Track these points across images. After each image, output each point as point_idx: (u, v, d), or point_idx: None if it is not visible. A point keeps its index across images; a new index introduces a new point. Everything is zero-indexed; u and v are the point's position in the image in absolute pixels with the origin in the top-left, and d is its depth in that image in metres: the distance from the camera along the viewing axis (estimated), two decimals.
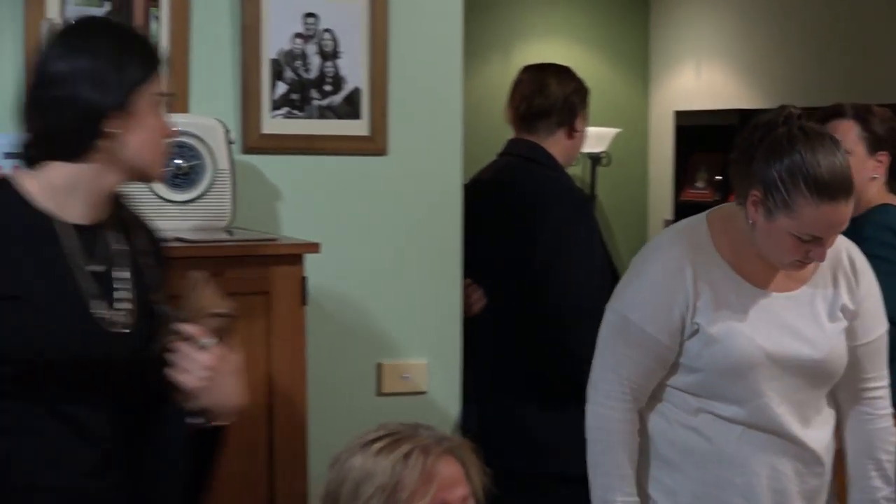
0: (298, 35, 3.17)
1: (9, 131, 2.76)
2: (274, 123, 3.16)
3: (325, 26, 3.20)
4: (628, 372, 2.50)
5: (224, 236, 2.76)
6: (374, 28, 3.23)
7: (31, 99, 2.11)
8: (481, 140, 4.48)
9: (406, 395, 3.26)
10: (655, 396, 2.55)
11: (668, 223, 6.55)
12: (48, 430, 2.06)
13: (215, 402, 2.12)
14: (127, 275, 2.15)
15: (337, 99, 3.22)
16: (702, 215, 2.58)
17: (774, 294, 2.50)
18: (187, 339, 2.10)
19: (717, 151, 6.14)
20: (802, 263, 2.44)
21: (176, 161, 2.80)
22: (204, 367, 2.08)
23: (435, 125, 3.30)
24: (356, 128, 3.24)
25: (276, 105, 3.16)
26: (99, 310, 2.08)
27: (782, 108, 2.43)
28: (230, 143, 2.87)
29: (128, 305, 2.13)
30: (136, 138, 2.08)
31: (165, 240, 2.36)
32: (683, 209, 6.42)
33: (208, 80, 3.10)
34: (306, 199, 3.19)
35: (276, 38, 3.15)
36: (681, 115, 6.62)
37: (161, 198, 2.79)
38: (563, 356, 3.18)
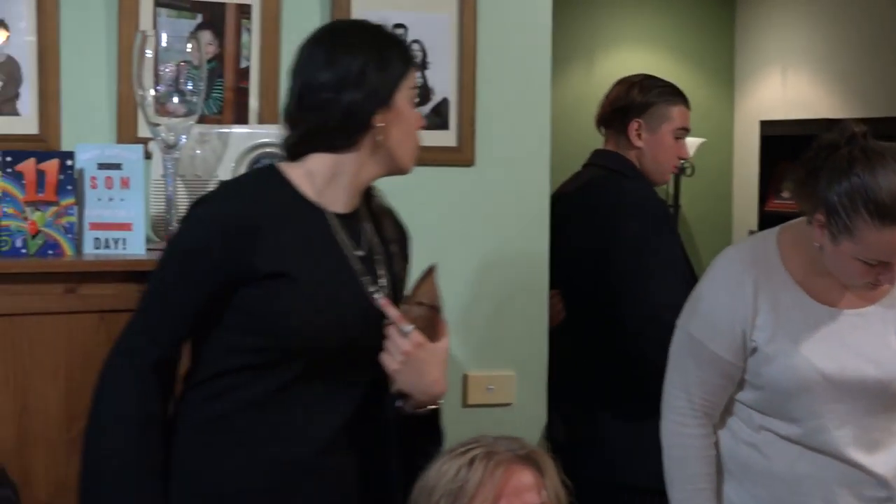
0: None
1: (102, 142, 2.86)
2: None
3: (414, 37, 3.20)
4: (697, 389, 2.50)
5: None
6: (462, 39, 3.23)
7: (300, 101, 2.23)
8: (563, 150, 4.46)
9: (491, 406, 3.24)
10: (727, 410, 2.55)
11: (752, 234, 6.48)
12: (296, 405, 2.18)
13: (410, 388, 2.22)
14: (382, 260, 2.30)
15: (425, 110, 3.22)
16: (773, 230, 2.56)
17: (844, 312, 2.45)
18: (393, 323, 2.23)
19: None
20: (875, 285, 2.39)
21: None
22: (402, 351, 2.20)
23: (522, 136, 3.29)
24: (444, 138, 3.24)
25: None
26: (371, 292, 2.24)
27: (844, 127, 2.36)
28: None
29: (387, 290, 2.28)
30: (396, 131, 2.24)
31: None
32: (768, 220, 6.33)
33: None
34: (396, 210, 3.18)
35: None
36: (766, 125, 6.54)
37: None
38: (642, 368, 3.15)
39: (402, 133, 2.26)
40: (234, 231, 2.16)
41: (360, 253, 2.27)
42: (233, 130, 2.83)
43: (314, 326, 2.16)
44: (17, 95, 2.88)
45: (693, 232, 6.73)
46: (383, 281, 2.30)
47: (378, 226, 2.36)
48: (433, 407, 2.26)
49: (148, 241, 2.63)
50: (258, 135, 2.83)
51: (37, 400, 2.41)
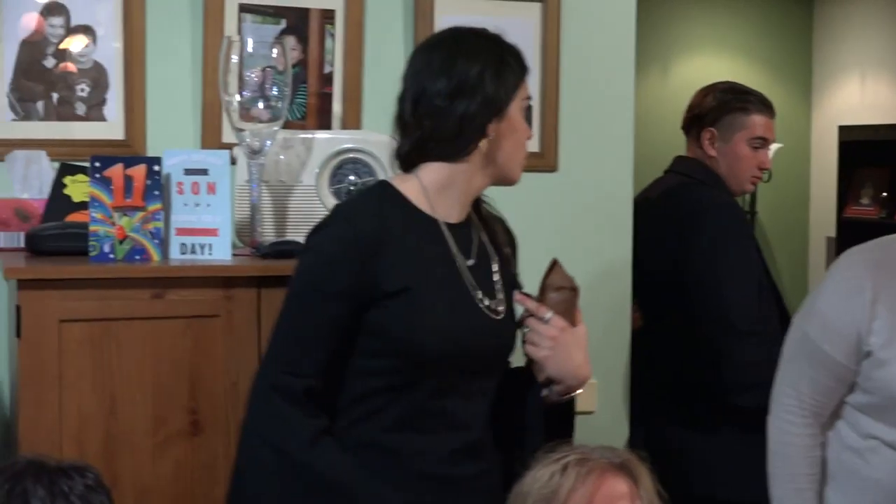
0: None
1: (186, 147, 2.87)
2: None
3: None
4: (807, 388, 2.47)
5: None
6: (545, 44, 3.21)
7: (414, 108, 2.21)
8: (638, 155, 4.42)
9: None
10: (836, 413, 2.52)
11: (830, 241, 6.39)
12: (434, 420, 2.19)
13: (560, 373, 2.26)
14: (495, 267, 2.30)
15: None
16: None
17: None
18: (532, 314, 2.27)
19: (883, 167, 5.97)
20: None
21: (349, 177, 2.82)
22: (548, 338, 2.23)
23: (606, 141, 3.26)
24: (528, 144, 3.21)
25: None
26: (483, 303, 2.24)
27: None
28: None
29: (500, 295, 2.28)
30: (508, 142, 2.23)
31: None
32: (846, 227, 6.26)
33: (381, 97, 3.10)
34: None
35: None
36: (844, 130, 6.45)
37: None
38: (716, 377, 3.13)
39: (513, 143, 2.24)
40: (358, 252, 2.14)
41: (471, 262, 2.26)
42: (316, 136, 2.83)
43: (439, 340, 2.15)
44: (103, 101, 2.90)
45: (770, 238, 6.65)
46: (498, 286, 2.29)
47: (490, 233, 2.34)
48: (579, 391, 2.31)
49: (233, 246, 2.63)
50: (342, 140, 2.83)
51: (124, 404, 2.42)
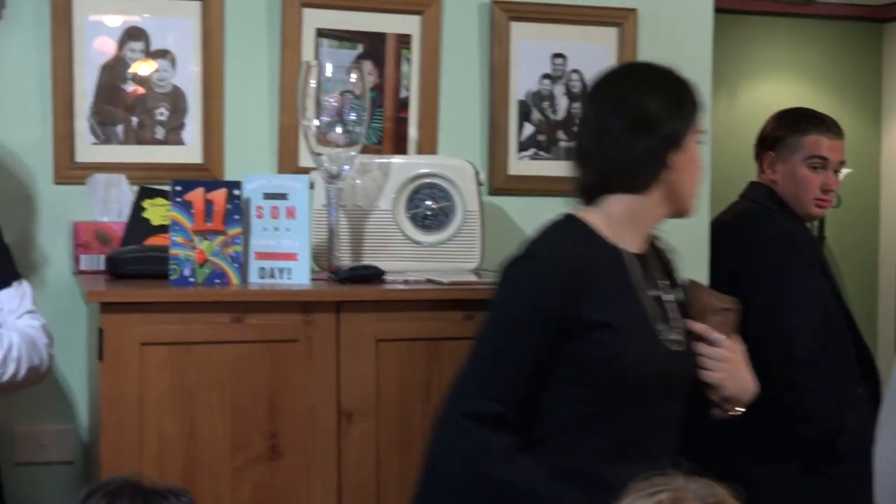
0: (546, 76, 3.16)
1: (262, 171, 2.88)
2: (520, 165, 3.15)
3: (574, 67, 3.18)
4: None
5: (474, 279, 2.75)
6: None
7: (598, 141, 2.26)
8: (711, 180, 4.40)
9: None
10: None
11: None
12: (632, 450, 2.20)
13: (736, 391, 2.33)
14: (672, 297, 2.34)
15: None
16: None
17: None
18: (700, 338, 2.32)
19: None
20: None
21: (426, 202, 2.81)
22: (720, 359, 2.29)
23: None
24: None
25: (523, 146, 3.15)
26: (664, 334, 2.26)
27: None
28: (480, 184, 2.85)
29: (679, 325, 2.31)
30: (686, 173, 2.28)
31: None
32: None
33: (456, 121, 3.11)
34: None
35: (524, 79, 3.14)
36: None
37: (411, 239, 2.80)
38: (778, 406, 3.07)
39: (690, 175, 2.29)
40: (562, 286, 2.18)
41: (654, 293, 2.30)
42: (393, 160, 2.83)
43: (637, 370, 2.19)
44: (181, 125, 2.92)
45: (839, 264, 6.56)
46: (674, 315, 2.32)
47: (664, 263, 2.39)
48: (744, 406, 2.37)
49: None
50: (419, 164, 2.83)
51: (203, 427, 2.42)
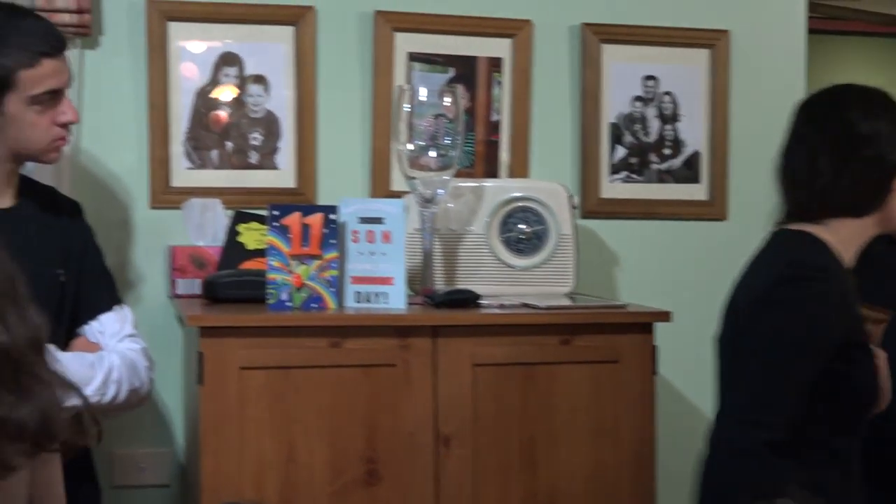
0: (638, 98, 3.15)
1: (355, 195, 2.88)
2: (612, 188, 3.13)
3: (665, 89, 3.15)
4: None
5: (568, 302, 2.73)
6: (714, 90, 3.17)
7: (811, 165, 2.28)
8: None
9: None
10: None
11: None
12: (848, 461, 2.25)
13: (886, 400, 2.29)
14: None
15: (676, 163, 3.17)
16: None
17: None
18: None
19: None
20: None
21: (519, 225, 2.80)
22: (881, 370, 2.26)
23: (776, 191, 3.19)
24: (695, 192, 3.18)
25: (615, 169, 3.13)
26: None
27: None
28: (573, 207, 2.84)
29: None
30: None
31: None
32: None
33: (547, 145, 3.10)
34: (644, 265, 3.14)
35: (616, 102, 3.13)
36: None
37: (504, 263, 2.79)
38: (874, 426, 3.01)
39: None
40: (835, 307, 2.19)
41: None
42: (486, 184, 2.83)
43: (872, 387, 2.23)
44: (275, 150, 2.94)
45: None
46: None
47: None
48: None
49: None
50: (512, 188, 2.83)
51: (301, 452, 2.42)
